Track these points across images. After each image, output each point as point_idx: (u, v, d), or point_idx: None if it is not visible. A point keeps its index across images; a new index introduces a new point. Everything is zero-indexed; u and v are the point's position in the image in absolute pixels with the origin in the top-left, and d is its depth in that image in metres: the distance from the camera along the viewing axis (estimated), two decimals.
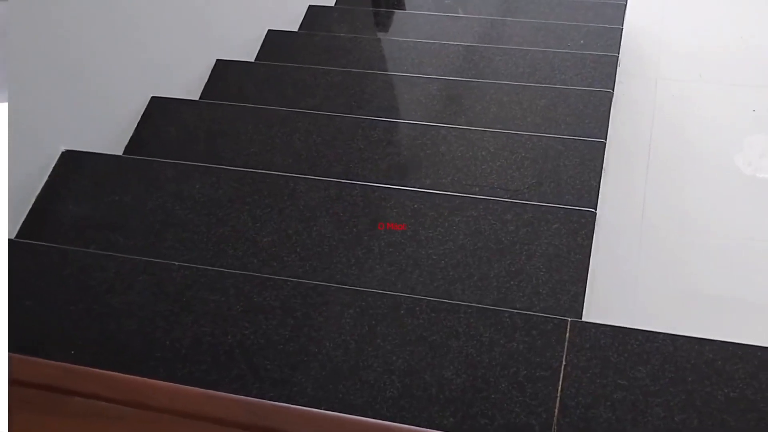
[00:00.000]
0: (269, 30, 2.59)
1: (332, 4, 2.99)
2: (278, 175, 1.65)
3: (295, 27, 2.79)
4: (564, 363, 1.16)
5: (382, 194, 1.59)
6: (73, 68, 1.73)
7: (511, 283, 1.42)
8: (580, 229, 1.47)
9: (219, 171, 1.68)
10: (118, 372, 0.96)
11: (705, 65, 3.14)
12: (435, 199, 1.56)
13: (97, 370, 0.99)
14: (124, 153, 1.94)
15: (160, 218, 1.62)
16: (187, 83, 2.22)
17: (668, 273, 2.46)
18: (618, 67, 2.97)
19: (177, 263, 1.38)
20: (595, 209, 1.68)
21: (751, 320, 2.27)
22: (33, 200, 1.67)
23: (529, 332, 1.20)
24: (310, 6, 2.85)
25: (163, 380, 1.06)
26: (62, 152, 1.74)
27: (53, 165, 1.72)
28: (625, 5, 2.87)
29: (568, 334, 1.19)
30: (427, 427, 1.14)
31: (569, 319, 1.20)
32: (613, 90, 2.23)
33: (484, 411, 1.14)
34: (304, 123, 1.93)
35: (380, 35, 2.72)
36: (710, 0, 3.36)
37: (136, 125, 1.99)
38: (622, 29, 2.56)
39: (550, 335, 1.19)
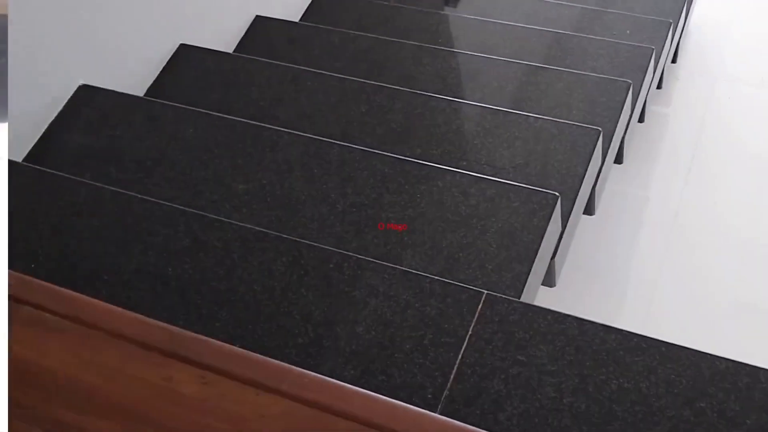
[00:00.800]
0: None
1: None
2: (264, 126, 1.71)
3: None
4: (470, 333, 1.17)
5: (357, 156, 1.62)
6: (103, 4, 1.83)
7: (460, 255, 1.43)
8: (539, 211, 1.46)
9: (212, 117, 1.75)
10: (65, 288, 1.03)
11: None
12: (405, 165, 1.58)
13: (47, 283, 1.07)
14: (144, 95, 2.03)
15: (153, 156, 1.70)
16: (222, 35, 2.30)
17: (690, 277, 2.41)
18: (674, 63, 2.88)
19: (139, 196, 1.45)
20: (577, 195, 1.67)
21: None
22: (44, 128, 1.79)
23: (444, 299, 1.22)
24: None
25: (105, 301, 1.14)
26: (79, 86, 1.84)
27: (69, 97, 1.83)
28: (686, 1, 2.76)
29: (480, 306, 1.19)
30: (328, 375, 1.18)
31: (485, 292, 1.21)
32: (642, 82, 2.17)
33: (385, 368, 1.17)
34: (314, 83, 1.97)
35: (424, 9, 2.72)
36: None
37: (160, 70, 2.08)
38: (670, 23, 2.48)
39: (463, 305, 1.20)
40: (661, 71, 2.59)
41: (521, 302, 1.20)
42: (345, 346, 1.20)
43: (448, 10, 2.71)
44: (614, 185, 2.59)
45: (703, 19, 3.19)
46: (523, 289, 1.37)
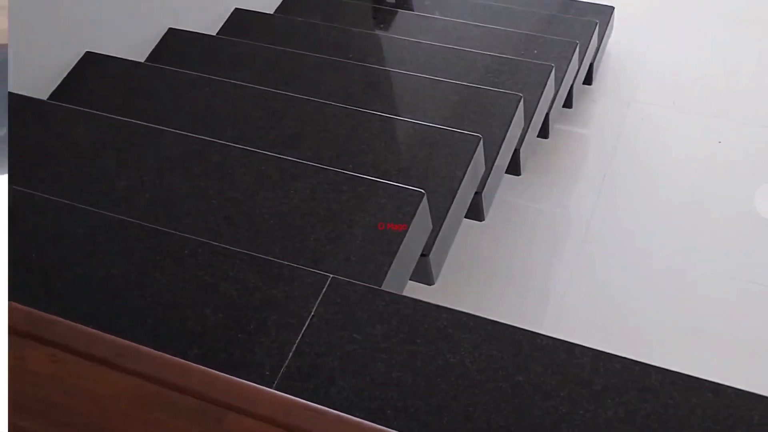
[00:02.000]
0: (236, 8, 2.70)
1: None
2: (148, 126, 1.75)
3: (271, 10, 2.89)
4: (312, 314, 1.21)
5: (237, 154, 1.66)
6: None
7: (327, 248, 1.47)
8: (404, 207, 1.51)
9: (101, 117, 1.78)
10: None
11: (680, 93, 3.11)
12: (281, 164, 1.62)
13: None
14: (47, 100, 2.06)
15: (41, 152, 1.73)
16: (133, 46, 2.34)
17: (596, 294, 2.47)
18: (590, 85, 2.98)
19: (14, 187, 1.48)
20: (454, 197, 1.72)
21: (679, 345, 2.26)
22: None
23: (291, 283, 1.25)
24: None
25: None
26: None
27: None
28: (596, 24, 2.86)
29: (325, 289, 1.23)
30: (173, 355, 1.20)
31: (330, 275, 1.25)
32: (540, 97, 2.25)
33: (227, 347, 1.20)
34: (212, 88, 2.02)
35: (342, 25, 2.79)
36: (696, 28, 3.32)
37: (64, 76, 2.12)
38: (576, 43, 2.57)
39: (309, 288, 1.24)
40: (567, 90, 2.67)
41: (364, 285, 1.24)
42: (192, 327, 1.23)
43: (367, 30, 2.78)
44: (526, 200, 2.67)
45: (620, 47, 3.30)
46: (384, 280, 1.41)
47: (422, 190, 1.53)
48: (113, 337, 1.07)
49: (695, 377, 1.08)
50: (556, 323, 2.30)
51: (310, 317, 1.21)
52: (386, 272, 1.42)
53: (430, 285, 1.73)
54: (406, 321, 1.18)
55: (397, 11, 2.97)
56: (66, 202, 1.46)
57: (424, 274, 1.68)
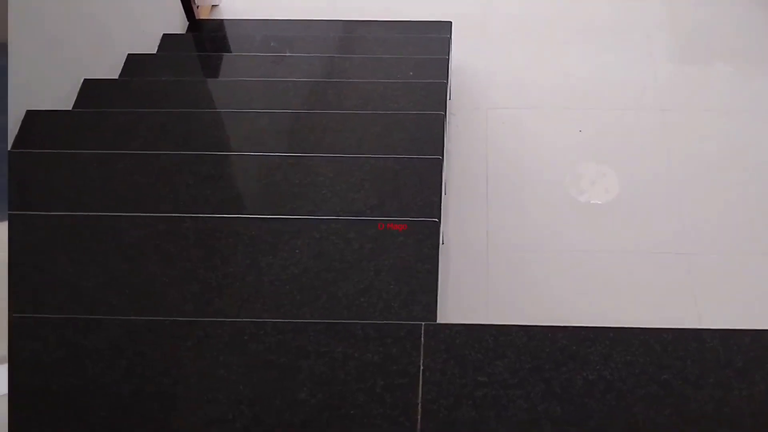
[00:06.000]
0: (85, 79, 2.44)
1: (153, 52, 2.88)
2: (98, 215, 1.53)
3: (114, 76, 2.65)
4: (422, 367, 1.10)
5: (215, 225, 1.49)
6: None
7: (361, 300, 1.36)
8: (425, 240, 1.44)
9: (31, 218, 1.52)
10: None
11: (533, 94, 3.27)
12: (272, 224, 1.48)
13: None
14: None
15: None
16: None
17: (514, 289, 2.49)
18: (449, 99, 3.04)
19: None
20: (439, 225, 1.66)
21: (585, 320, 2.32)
22: None
23: (383, 341, 1.14)
24: (128, 54, 2.72)
25: None
26: None
27: None
28: (449, 38, 2.94)
29: (423, 339, 1.13)
30: None
31: (422, 323, 1.15)
32: (446, 114, 2.26)
33: (344, 428, 1.06)
34: (124, 163, 1.80)
35: (205, 78, 2.63)
36: (529, 34, 3.51)
37: None
38: (448, 58, 2.62)
39: (405, 341, 1.13)
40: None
41: (462, 324, 1.15)
42: (291, 417, 1.07)
43: (231, 77, 2.64)
44: None
45: (458, 60, 3.41)
46: (435, 319, 1.33)
47: (436, 220, 1.47)
48: None
49: None
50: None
51: (420, 372, 1.10)
52: (435, 309, 1.34)
53: None
54: (525, 350, 1.12)
55: (247, 55, 2.86)
56: (61, 316, 1.22)
57: None
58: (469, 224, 2.70)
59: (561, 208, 2.71)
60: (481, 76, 3.38)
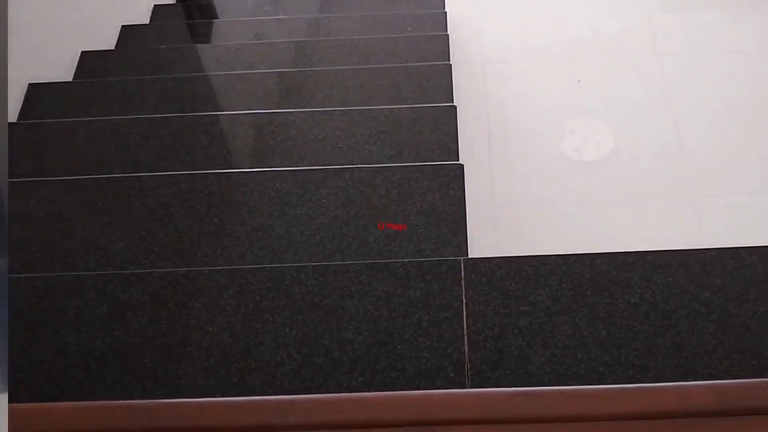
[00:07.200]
0: (83, 51, 2.41)
1: (146, 22, 2.85)
2: (119, 177, 1.52)
3: (111, 47, 2.62)
4: (465, 301, 1.11)
5: (239, 179, 1.49)
6: None
7: (392, 245, 1.37)
8: (451, 182, 1.44)
9: (53, 183, 1.51)
10: None
11: (528, 49, 3.25)
12: (297, 175, 1.48)
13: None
14: None
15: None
16: None
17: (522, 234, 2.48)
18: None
19: (24, 275, 1.21)
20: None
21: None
22: None
23: (424, 278, 1.15)
24: (122, 26, 2.69)
25: (30, 402, 0.92)
26: None
27: None
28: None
29: (463, 273, 1.14)
30: (336, 392, 1.05)
31: (461, 258, 1.16)
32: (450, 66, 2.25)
33: (393, 364, 1.07)
34: (138, 129, 1.79)
35: (203, 44, 2.61)
36: None
37: None
38: (445, 12, 2.61)
39: (446, 277, 1.14)
40: None
41: (501, 257, 1.16)
42: (341, 356, 1.08)
43: (230, 41, 2.62)
44: None
45: (451, 15, 3.39)
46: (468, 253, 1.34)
47: (461, 163, 1.47)
48: (258, 398, 0.93)
49: None
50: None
51: (464, 305, 1.12)
52: (467, 250, 1.35)
53: None
54: (566, 277, 1.13)
55: (242, 20, 2.83)
56: (101, 273, 1.22)
57: None
58: (472, 181, 2.70)
59: (561, 161, 2.70)
60: (475, 31, 3.36)
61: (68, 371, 1.09)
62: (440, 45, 2.25)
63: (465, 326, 1.09)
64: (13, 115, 2.06)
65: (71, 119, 1.89)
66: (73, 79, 2.34)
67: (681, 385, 0.75)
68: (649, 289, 1.11)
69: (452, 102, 1.96)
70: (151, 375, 1.08)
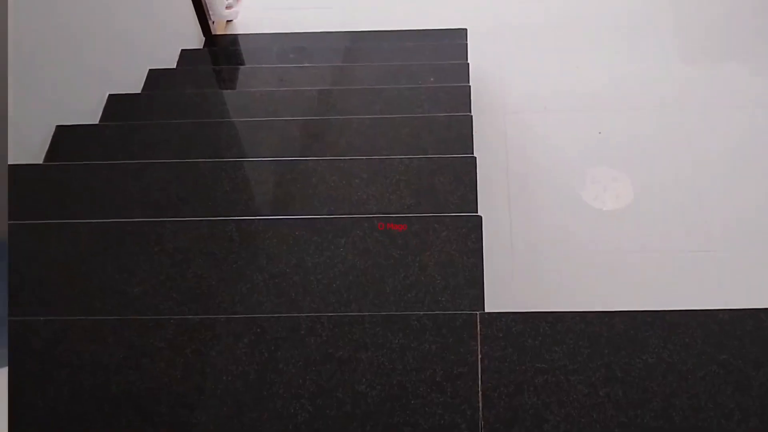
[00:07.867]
0: (110, 94, 2.46)
1: (173, 67, 2.91)
2: (141, 221, 1.53)
3: (137, 90, 2.68)
4: (480, 356, 1.11)
5: (259, 226, 1.50)
6: None
7: (409, 295, 1.37)
8: (469, 234, 1.44)
9: (75, 226, 1.53)
10: None
11: (547, 98, 3.28)
12: (316, 224, 1.49)
13: None
14: None
15: (13, 281, 1.45)
16: (25, 149, 2.05)
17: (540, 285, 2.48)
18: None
19: (42, 318, 1.22)
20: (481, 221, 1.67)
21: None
22: None
23: (440, 331, 1.15)
24: (149, 69, 2.75)
25: None
26: None
27: None
28: (465, 44, 2.96)
29: (479, 327, 1.14)
30: None
31: (477, 312, 1.15)
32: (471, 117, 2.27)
33: (407, 419, 1.06)
34: (161, 173, 1.81)
35: (228, 90, 2.65)
36: (541, 41, 3.53)
37: None
38: (468, 63, 2.64)
39: (461, 331, 1.14)
40: None
41: (518, 312, 1.16)
42: (353, 409, 1.08)
43: (255, 88, 2.66)
44: None
45: (474, 68, 3.43)
46: (483, 308, 1.34)
47: (479, 214, 1.48)
48: None
49: None
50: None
51: (479, 360, 1.11)
52: (483, 303, 1.35)
53: None
54: (583, 335, 1.12)
55: (267, 67, 2.88)
56: (119, 317, 1.23)
57: None
58: (492, 227, 2.70)
59: (582, 208, 2.71)
60: (497, 83, 3.39)
61: (83, 414, 1.09)
62: (461, 96, 2.27)
63: (480, 382, 1.09)
64: (39, 157, 2.09)
65: (95, 162, 1.92)
66: (100, 121, 2.39)
67: None
68: (666, 349, 1.10)
69: (472, 152, 1.97)
70: (165, 421, 1.08)
